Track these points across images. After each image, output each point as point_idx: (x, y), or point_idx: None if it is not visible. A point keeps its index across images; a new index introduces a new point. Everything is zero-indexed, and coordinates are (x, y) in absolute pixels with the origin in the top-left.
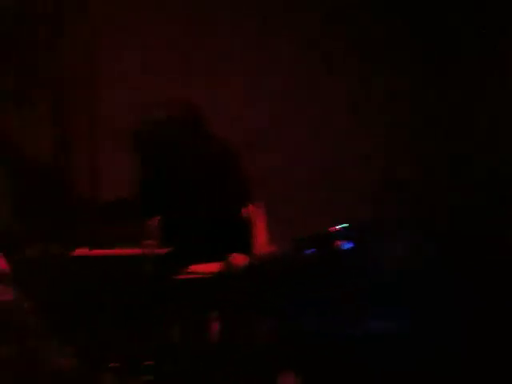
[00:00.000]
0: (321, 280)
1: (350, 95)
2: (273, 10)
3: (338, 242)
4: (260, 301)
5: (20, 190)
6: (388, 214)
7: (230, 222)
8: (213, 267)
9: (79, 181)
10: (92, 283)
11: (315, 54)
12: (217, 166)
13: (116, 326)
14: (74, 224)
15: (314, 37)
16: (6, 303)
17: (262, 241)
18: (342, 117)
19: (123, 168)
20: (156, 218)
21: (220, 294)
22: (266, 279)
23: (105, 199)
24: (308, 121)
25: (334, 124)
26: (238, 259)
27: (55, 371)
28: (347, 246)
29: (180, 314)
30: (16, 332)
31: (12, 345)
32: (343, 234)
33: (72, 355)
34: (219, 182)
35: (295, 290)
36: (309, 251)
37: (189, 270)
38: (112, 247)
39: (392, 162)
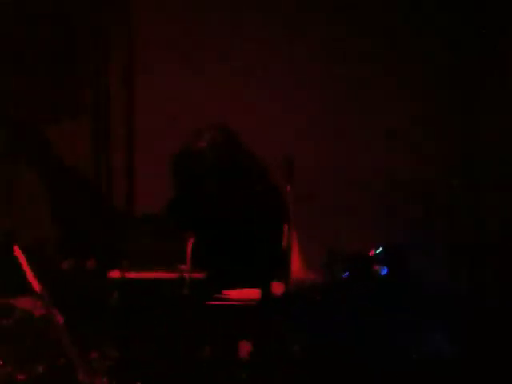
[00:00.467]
0: (358, 305)
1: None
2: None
3: (376, 267)
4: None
5: (56, 202)
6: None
7: (268, 248)
8: (247, 294)
9: (117, 195)
10: (126, 304)
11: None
12: (256, 191)
13: (148, 347)
14: (111, 240)
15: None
16: (39, 318)
17: (297, 266)
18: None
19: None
20: (191, 242)
21: (255, 322)
22: (303, 307)
23: (141, 214)
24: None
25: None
26: (275, 287)
27: None
28: (384, 270)
29: (212, 339)
30: (49, 347)
31: (44, 360)
32: (380, 259)
33: (103, 373)
34: (258, 206)
35: (333, 316)
36: (345, 275)
37: (223, 296)
38: (147, 270)
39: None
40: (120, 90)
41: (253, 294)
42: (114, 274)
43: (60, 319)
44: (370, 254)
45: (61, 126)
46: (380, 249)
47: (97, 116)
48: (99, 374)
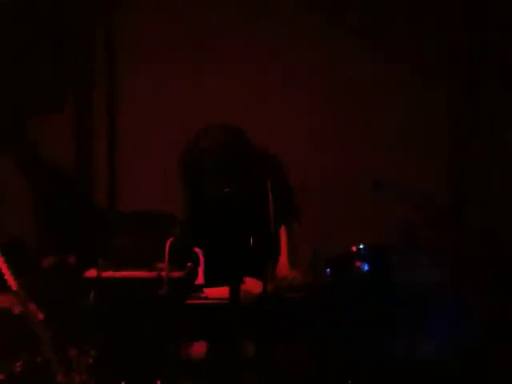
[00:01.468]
0: (337, 302)
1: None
2: None
3: (358, 263)
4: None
5: (37, 200)
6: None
7: (259, 243)
8: (226, 292)
9: (98, 194)
10: (105, 302)
11: None
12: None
13: (127, 345)
14: (91, 237)
15: None
16: (19, 315)
17: (283, 264)
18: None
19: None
20: (169, 241)
21: (231, 320)
22: (282, 305)
23: (123, 212)
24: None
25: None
26: (252, 285)
27: None
28: (366, 267)
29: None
30: (28, 344)
31: (24, 357)
32: (362, 255)
33: (82, 371)
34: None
35: (313, 313)
36: (327, 271)
37: (202, 295)
38: (125, 269)
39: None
40: (104, 91)
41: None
42: (91, 273)
43: (39, 316)
44: (352, 251)
45: (43, 122)
46: (362, 245)
47: (80, 113)
48: (78, 372)
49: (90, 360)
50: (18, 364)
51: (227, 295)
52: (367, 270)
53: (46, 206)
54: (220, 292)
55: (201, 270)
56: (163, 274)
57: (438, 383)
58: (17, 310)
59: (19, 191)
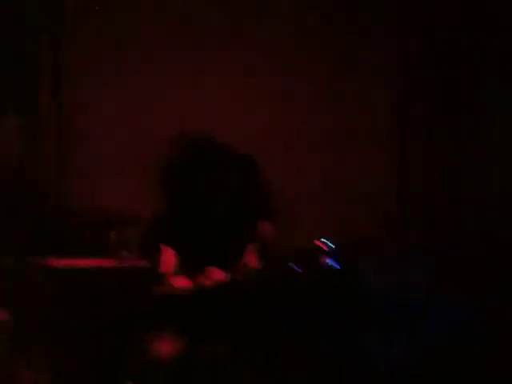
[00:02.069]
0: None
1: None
2: None
3: (323, 259)
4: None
5: None
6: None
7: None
8: (191, 282)
9: (50, 190)
10: (67, 295)
11: None
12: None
13: (93, 339)
14: (47, 234)
15: None
16: None
17: (250, 254)
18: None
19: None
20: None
21: (196, 310)
22: (243, 296)
23: (75, 208)
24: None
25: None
26: (216, 274)
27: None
28: (331, 263)
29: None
30: None
31: None
32: (328, 252)
33: (47, 370)
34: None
35: (276, 307)
36: (293, 266)
37: (167, 284)
38: (82, 257)
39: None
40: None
41: (197, 281)
42: (52, 262)
43: (3, 316)
44: (318, 247)
45: None
46: (328, 242)
47: (27, 104)
48: (41, 371)
49: (53, 359)
50: None
51: (192, 285)
52: (333, 266)
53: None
54: (184, 282)
55: (168, 260)
56: (125, 263)
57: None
58: None
59: None
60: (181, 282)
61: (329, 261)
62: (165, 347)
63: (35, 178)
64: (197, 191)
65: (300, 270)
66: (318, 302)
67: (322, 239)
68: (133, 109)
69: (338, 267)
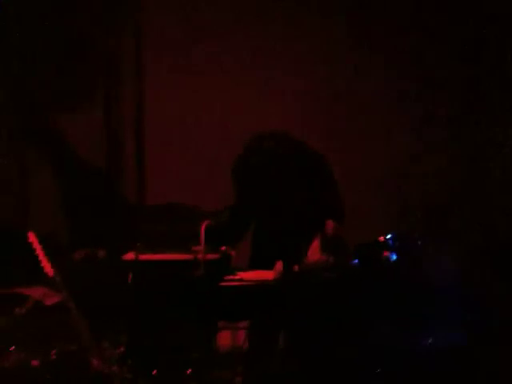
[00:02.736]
0: (366, 290)
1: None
2: None
3: (385, 253)
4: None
5: (69, 194)
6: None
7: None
8: (260, 275)
9: (128, 186)
10: (140, 288)
11: None
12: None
13: (161, 331)
14: (123, 229)
15: None
16: (54, 306)
17: (315, 249)
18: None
19: (170, 173)
20: (204, 224)
21: (267, 302)
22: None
23: (152, 204)
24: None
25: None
26: (283, 268)
27: (100, 375)
28: (393, 256)
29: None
30: (63, 335)
31: (60, 347)
32: (390, 245)
33: (116, 360)
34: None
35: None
36: (355, 261)
37: (236, 277)
38: (160, 252)
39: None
40: (132, 85)
41: (266, 274)
42: (128, 256)
43: (71, 305)
44: (380, 240)
45: (74, 116)
46: (390, 235)
47: (109, 107)
48: (111, 362)
49: (122, 350)
50: (53, 352)
51: (261, 277)
52: (395, 260)
53: (78, 201)
54: (254, 275)
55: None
56: (199, 256)
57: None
58: (48, 301)
59: (51, 187)
60: (251, 275)
61: (391, 255)
62: (227, 338)
63: (119, 175)
64: (271, 191)
65: (362, 264)
66: (378, 296)
67: (385, 234)
68: (205, 109)
69: (398, 260)
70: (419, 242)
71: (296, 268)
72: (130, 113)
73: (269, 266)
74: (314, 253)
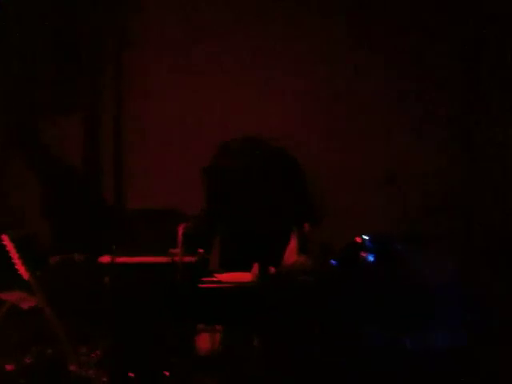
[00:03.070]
0: (344, 290)
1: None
2: None
3: (363, 254)
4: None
5: (46, 198)
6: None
7: (271, 234)
8: (238, 277)
9: (105, 190)
10: (117, 290)
11: None
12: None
13: (138, 334)
14: (100, 232)
15: None
16: (30, 310)
17: (291, 251)
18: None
19: (147, 177)
20: (181, 227)
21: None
22: (289, 289)
23: (130, 208)
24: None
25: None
26: (259, 270)
27: (77, 379)
28: (370, 257)
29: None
30: (39, 339)
31: (35, 350)
32: (367, 246)
33: (93, 363)
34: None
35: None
36: (334, 262)
37: (214, 279)
38: (138, 255)
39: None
40: (112, 91)
41: (243, 276)
42: (105, 259)
43: (48, 309)
44: (357, 241)
45: (53, 123)
46: (367, 237)
47: (88, 113)
48: (88, 366)
49: (100, 353)
50: (28, 356)
51: (239, 280)
52: (372, 261)
53: (55, 204)
54: (232, 277)
55: (215, 256)
56: (176, 259)
57: (449, 373)
58: (25, 305)
59: (28, 189)
60: (229, 277)
61: (368, 256)
62: (206, 340)
63: (97, 179)
64: (241, 194)
65: (340, 265)
66: (355, 296)
67: (362, 235)
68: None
69: (375, 261)
70: (396, 244)
71: (273, 270)
72: (109, 118)
73: (241, 267)
74: (291, 255)
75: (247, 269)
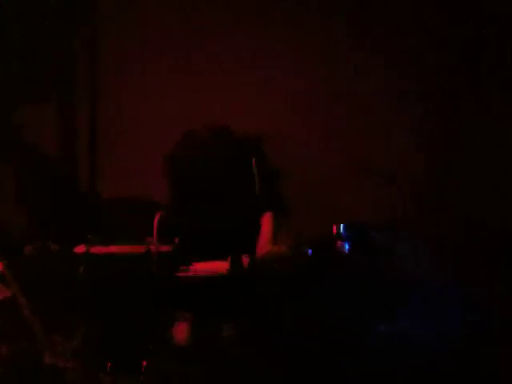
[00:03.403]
0: (319, 280)
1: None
2: None
3: (339, 243)
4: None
5: (21, 186)
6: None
7: (240, 223)
8: (215, 266)
9: (80, 178)
10: (92, 281)
11: None
12: (241, 171)
13: (115, 324)
14: (74, 222)
15: None
16: (4, 301)
17: (264, 241)
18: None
19: (123, 166)
20: (158, 215)
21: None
22: (267, 277)
23: (106, 197)
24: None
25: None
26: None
27: (53, 370)
28: (346, 246)
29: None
30: (14, 330)
31: (10, 343)
32: (342, 235)
33: (70, 354)
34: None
35: (295, 289)
36: (309, 251)
37: (190, 269)
38: (113, 244)
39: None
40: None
41: (220, 266)
42: (80, 249)
43: (22, 300)
44: (333, 231)
45: (26, 109)
46: (342, 226)
47: (62, 102)
48: (64, 357)
49: (76, 343)
50: (2, 348)
51: (215, 269)
52: (348, 250)
53: (30, 193)
54: (208, 266)
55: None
56: (152, 248)
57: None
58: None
59: (4, 177)
60: (205, 266)
61: (343, 245)
62: (184, 331)
63: (72, 167)
64: (202, 183)
65: (314, 255)
66: (330, 287)
67: (338, 224)
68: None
69: (351, 250)
70: (372, 232)
71: (247, 259)
72: (84, 105)
73: (217, 257)
74: (265, 245)
75: (224, 258)
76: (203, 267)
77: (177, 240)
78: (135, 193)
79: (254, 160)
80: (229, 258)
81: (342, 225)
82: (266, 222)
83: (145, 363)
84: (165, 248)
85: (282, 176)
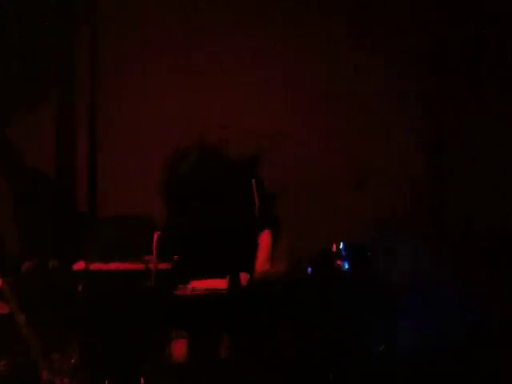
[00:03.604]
0: (318, 298)
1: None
2: None
3: (338, 262)
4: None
5: (19, 203)
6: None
7: (238, 242)
8: (213, 284)
9: (78, 196)
10: (91, 298)
11: None
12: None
13: (113, 341)
14: (73, 239)
15: None
16: (2, 317)
17: (263, 259)
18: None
19: (122, 184)
20: (156, 234)
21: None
22: (267, 296)
23: (105, 215)
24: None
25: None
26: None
27: None
28: (346, 265)
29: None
30: (13, 346)
31: (9, 359)
32: (342, 254)
33: (68, 371)
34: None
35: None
36: (309, 269)
37: (189, 287)
38: (112, 261)
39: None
40: (86, 92)
41: (219, 284)
42: (79, 266)
43: (20, 317)
44: (332, 250)
45: (24, 122)
46: (342, 245)
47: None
48: (62, 374)
49: (74, 360)
50: (1, 363)
51: (214, 287)
52: (347, 268)
53: (28, 209)
54: (207, 284)
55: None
56: (151, 266)
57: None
58: None
59: (1, 194)
60: (204, 285)
61: (343, 264)
62: (182, 348)
63: (71, 184)
64: (199, 202)
65: (313, 273)
66: (329, 304)
67: (338, 242)
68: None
69: (350, 269)
70: (369, 252)
71: (246, 278)
72: (83, 119)
73: (211, 274)
74: (263, 262)
75: (222, 276)
76: (202, 285)
77: (176, 258)
78: (134, 210)
79: (253, 180)
80: (227, 277)
81: (341, 243)
82: (264, 239)
83: (142, 380)
84: (164, 266)
85: (280, 185)
